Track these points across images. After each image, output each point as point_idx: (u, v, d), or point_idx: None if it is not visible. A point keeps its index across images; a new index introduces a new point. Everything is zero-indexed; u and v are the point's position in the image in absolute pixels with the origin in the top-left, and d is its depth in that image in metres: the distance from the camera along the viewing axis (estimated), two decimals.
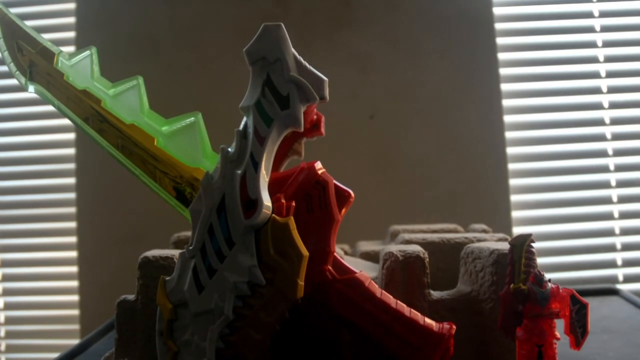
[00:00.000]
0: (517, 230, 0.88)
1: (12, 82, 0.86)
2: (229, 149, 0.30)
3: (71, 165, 0.91)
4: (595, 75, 0.92)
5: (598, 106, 0.92)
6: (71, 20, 0.92)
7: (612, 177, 0.91)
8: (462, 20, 0.89)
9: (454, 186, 0.88)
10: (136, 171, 0.34)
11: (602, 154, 0.91)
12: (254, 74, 0.31)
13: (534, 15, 0.92)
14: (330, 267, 0.31)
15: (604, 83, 0.91)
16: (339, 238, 0.33)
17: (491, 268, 0.36)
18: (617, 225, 0.90)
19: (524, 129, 0.91)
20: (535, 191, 0.91)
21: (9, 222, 0.94)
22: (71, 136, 0.92)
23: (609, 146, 0.91)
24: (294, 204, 0.30)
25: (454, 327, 0.31)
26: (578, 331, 0.30)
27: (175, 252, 0.37)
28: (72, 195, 0.91)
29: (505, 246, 0.36)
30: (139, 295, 0.36)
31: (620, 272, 0.89)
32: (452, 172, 0.88)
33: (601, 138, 0.91)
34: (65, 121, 0.40)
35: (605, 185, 0.91)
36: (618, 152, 0.91)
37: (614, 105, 0.91)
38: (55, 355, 0.45)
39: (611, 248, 0.90)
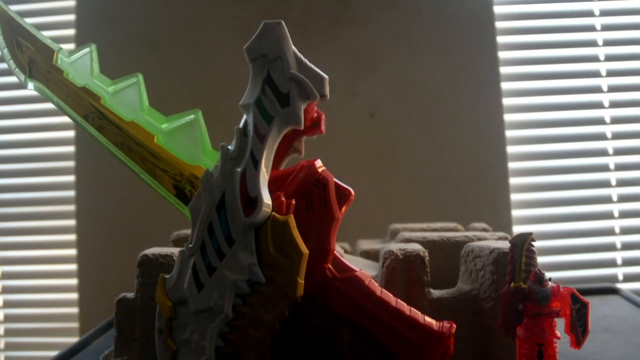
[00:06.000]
0: (517, 229, 0.88)
1: (12, 79, 0.85)
2: (229, 147, 0.30)
3: (70, 163, 0.91)
4: (595, 74, 0.92)
5: (598, 105, 0.92)
6: (71, 17, 0.92)
7: (612, 176, 0.91)
8: (463, 18, 0.89)
9: (454, 185, 0.88)
10: (136, 169, 0.33)
11: (603, 153, 0.91)
12: (254, 71, 0.30)
13: (534, 14, 0.92)
14: (330, 266, 0.31)
15: (604, 82, 0.91)
16: (339, 236, 0.33)
17: (491, 267, 0.36)
18: (617, 224, 0.90)
19: (524, 127, 0.91)
20: (535, 190, 0.91)
21: (7, 220, 0.94)
22: (70, 134, 0.91)
23: (609, 145, 0.91)
24: (294, 202, 0.30)
25: (454, 325, 0.31)
26: (578, 330, 0.30)
27: (174, 250, 0.36)
28: (71, 193, 0.91)
29: (505, 245, 0.36)
30: (138, 293, 0.36)
31: (620, 271, 0.89)
32: (452, 171, 0.88)
33: (601, 137, 0.91)
34: (65, 119, 0.40)
35: (606, 184, 0.91)
36: (618, 151, 0.91)
37: (614, 104, 0.91)
38: (55, 353, 0.45)
39: (611, 247, 0.90)
